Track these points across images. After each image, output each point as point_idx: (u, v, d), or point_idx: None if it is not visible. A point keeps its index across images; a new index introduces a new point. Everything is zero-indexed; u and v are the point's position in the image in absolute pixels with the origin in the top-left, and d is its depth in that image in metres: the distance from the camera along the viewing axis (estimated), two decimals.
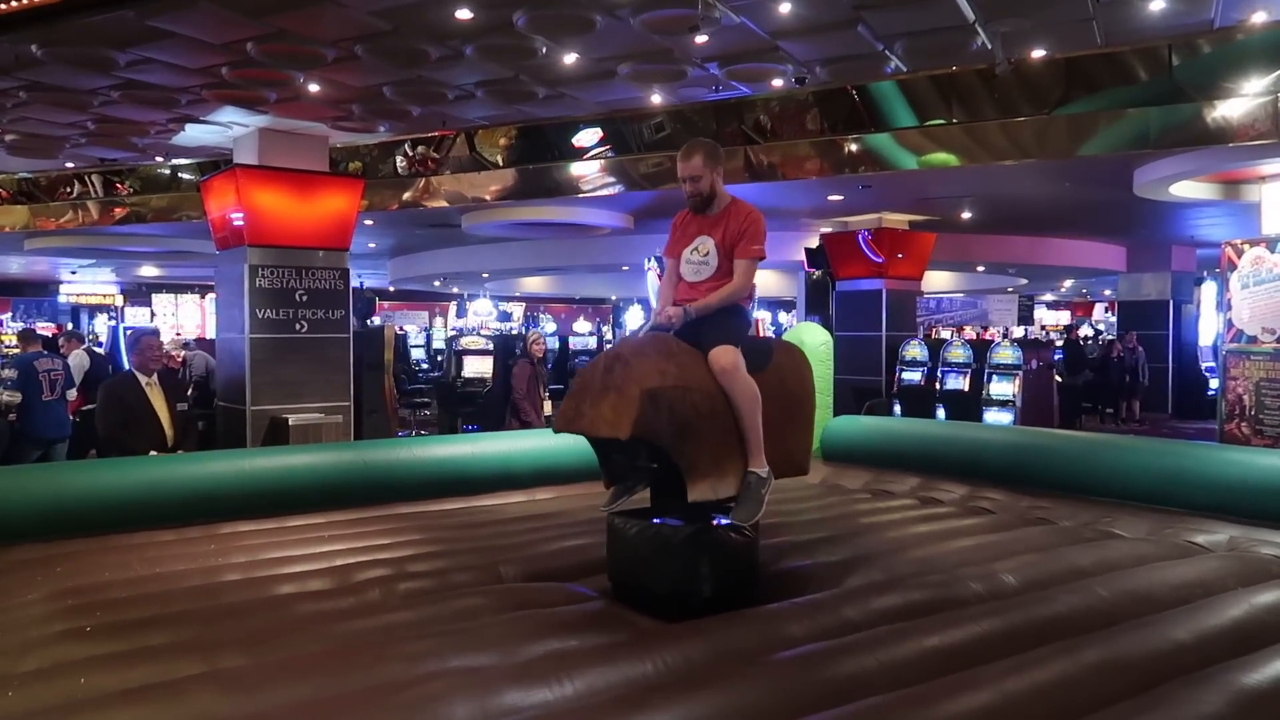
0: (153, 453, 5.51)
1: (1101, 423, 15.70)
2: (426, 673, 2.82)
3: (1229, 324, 7.78)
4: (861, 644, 3.02)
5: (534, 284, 24.67)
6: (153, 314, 24.84)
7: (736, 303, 3.80)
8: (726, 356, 3.57)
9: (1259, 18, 6.23)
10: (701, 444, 3.49)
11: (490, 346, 14.37)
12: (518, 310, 31.61)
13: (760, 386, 3.68)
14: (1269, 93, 7.73)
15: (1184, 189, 10.27)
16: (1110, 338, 19.10)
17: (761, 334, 16.46)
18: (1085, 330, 23.00)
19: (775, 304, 24.63)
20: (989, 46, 6.29)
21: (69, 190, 13.71)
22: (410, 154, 11.63)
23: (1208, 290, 16.23)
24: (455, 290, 27.99)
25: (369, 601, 3.61)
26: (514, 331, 22.74)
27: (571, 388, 3.63)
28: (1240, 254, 7.76)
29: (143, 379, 5.70)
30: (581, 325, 27.82)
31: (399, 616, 3.38)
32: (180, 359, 10.49)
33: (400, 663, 2.88)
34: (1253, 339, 7.54)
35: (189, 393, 9.63)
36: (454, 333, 21.45)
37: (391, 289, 26.58)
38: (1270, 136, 7.82)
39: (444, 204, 12.19)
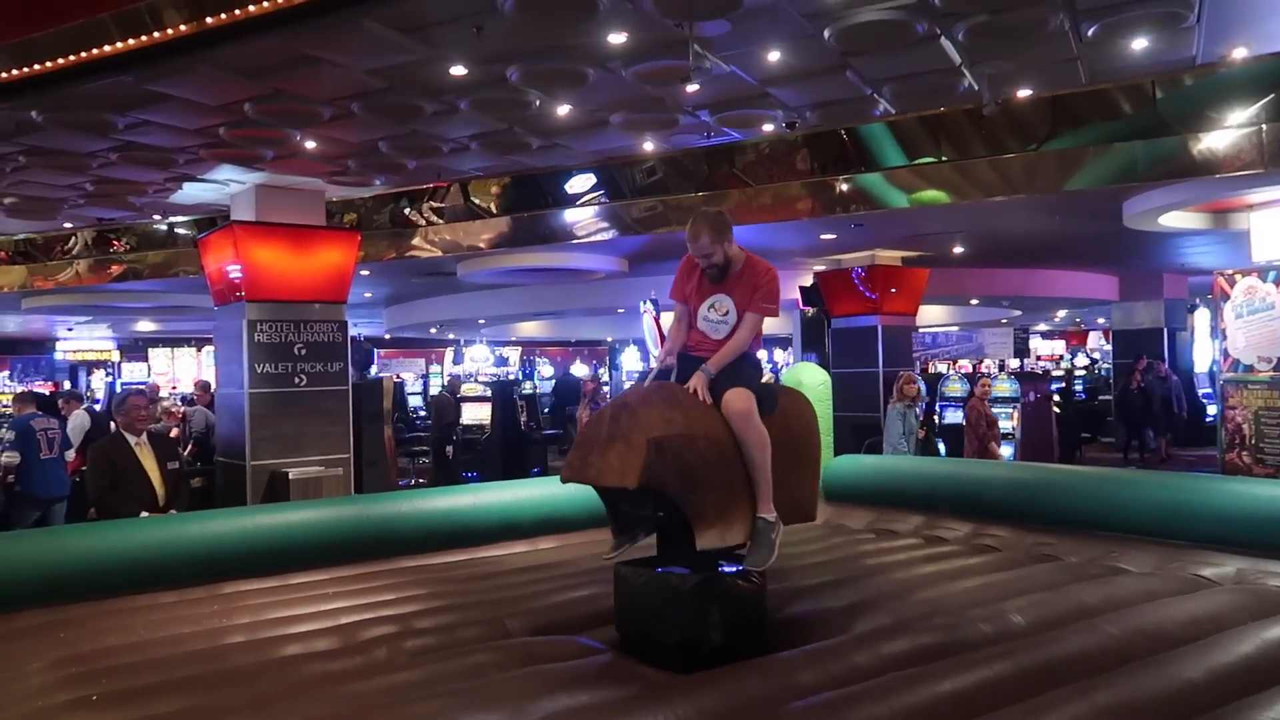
0: (144, 514, 5.47)
1: (1102, 452, 15.50)
2: None
3: (1225, 353, 7.82)
4: (873, 691, 3.00)
5: (530, 328, 24.76)
6: (149, 369, 24.81)
7: (748, 352, 3.82)
8: (741, 401, 3.57)
9: (1239, 53, 6.34)
10: (709, 492, 3.48)
11: (488, 393, 14.38)
12: (514, 354, 31.67)
13: (768, 432, 3.68)
14: (1253, 123, 7.84)
15: (1173, 219, 10.37)
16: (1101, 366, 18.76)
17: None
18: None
19: (771, 342, 24.70)
20: (976, 87, 6.39)
21: (66, 249, 13.79)
22: (416, 207, 11.75)
23: (1201, 317, 16.28)
24: (451, 336, 28.04)
25: (376, 660, 3.58)
26: (510, 377, 22.78)
27: (578, 437, 3.63)
28: (1232, 284, 7.83)
29: (131, 439, 5.66)
30: (579, 368, 27.83)
31: (406, 675, 3.35)
32: (180, 414, 10.48)
33: None
34: (1249, 368, 7.57)
35: (188, 449, 9.61)
36: (451, 378, 21.46)
37: (387, 336, 26.63)
38: (1256, 166, 7.92)
39: (439, 253, 12.28)
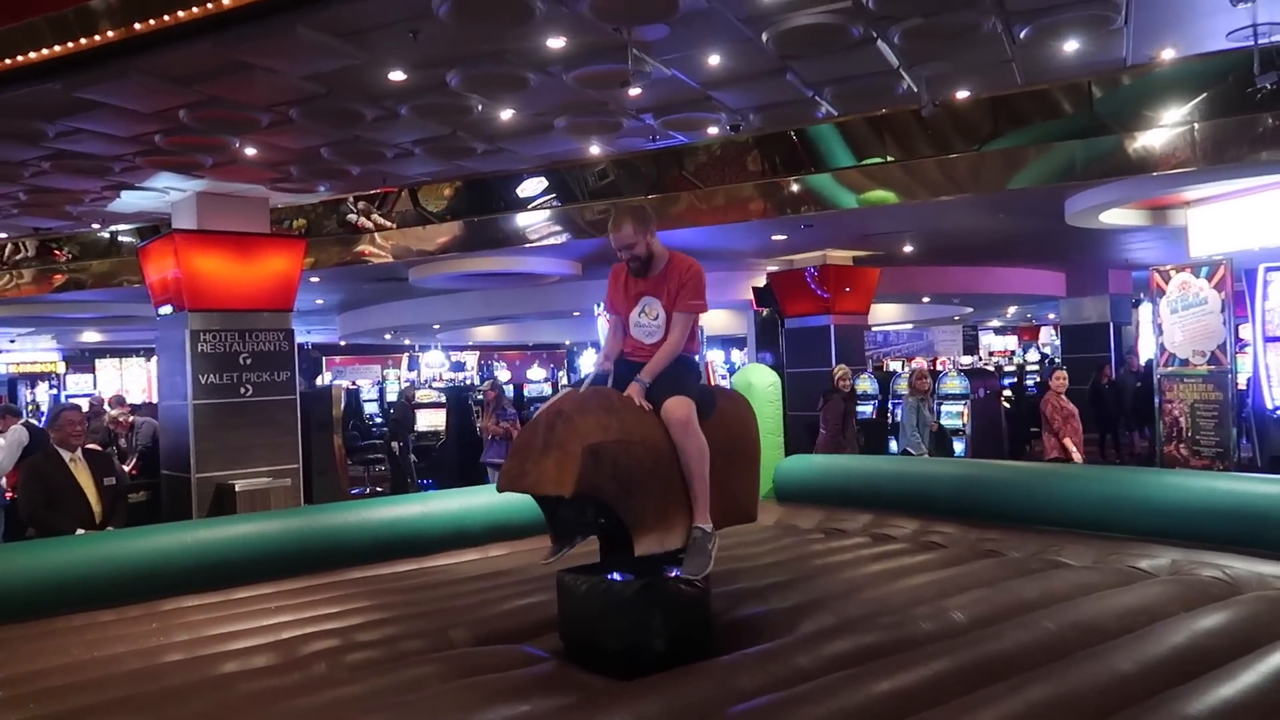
0: (80, 531, 5.35)
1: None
2: None
3: (1161, 348, 7.98)
4: (813, 693, 3.01)
5: (486, 333, 24.63)
6: (95, 380, 24.25)
7: (685, 357, 3.79)
8: (681, 409, 3.55)
9: (1168, 54, 6.48)
10: (646, 498, 3.47)
11: (443, 399, 14.26)
12: (471, 359, 31.47)
13: (705, 435, 3.67)
14: (1186, 122, 8.03)
15: (1113, 216, 10.57)
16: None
17: (712, 376, 16.50)
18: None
19: (727, 342, 24.80)
20: (915, 89, 6.47)
21: (4, 259, 13.46)
22: (355, 209, 11.63)
23: (1144, 311, 16.59)
24: (407, 342, 27.80)
25: (315, 676, 3.52)
26: (467, 382, 22.65)
27: (514, 445, 3.60)
28: (1168, 279, 7.99)
29: (65, 455, 5.53)
30: (536, 372, 27.71)
31: (346, 691, 3.30)
32: (129, 424, 10.27)
33: None
34: (1185, 362, 7.74)
35: (134, 462, 9.41)
36: (406, 385, 21.27)
37: (342, 343, 26.33)
38: (1190, 164, 8.11)
39: (390, 259, 12.17)
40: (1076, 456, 7.95)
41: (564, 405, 3.50)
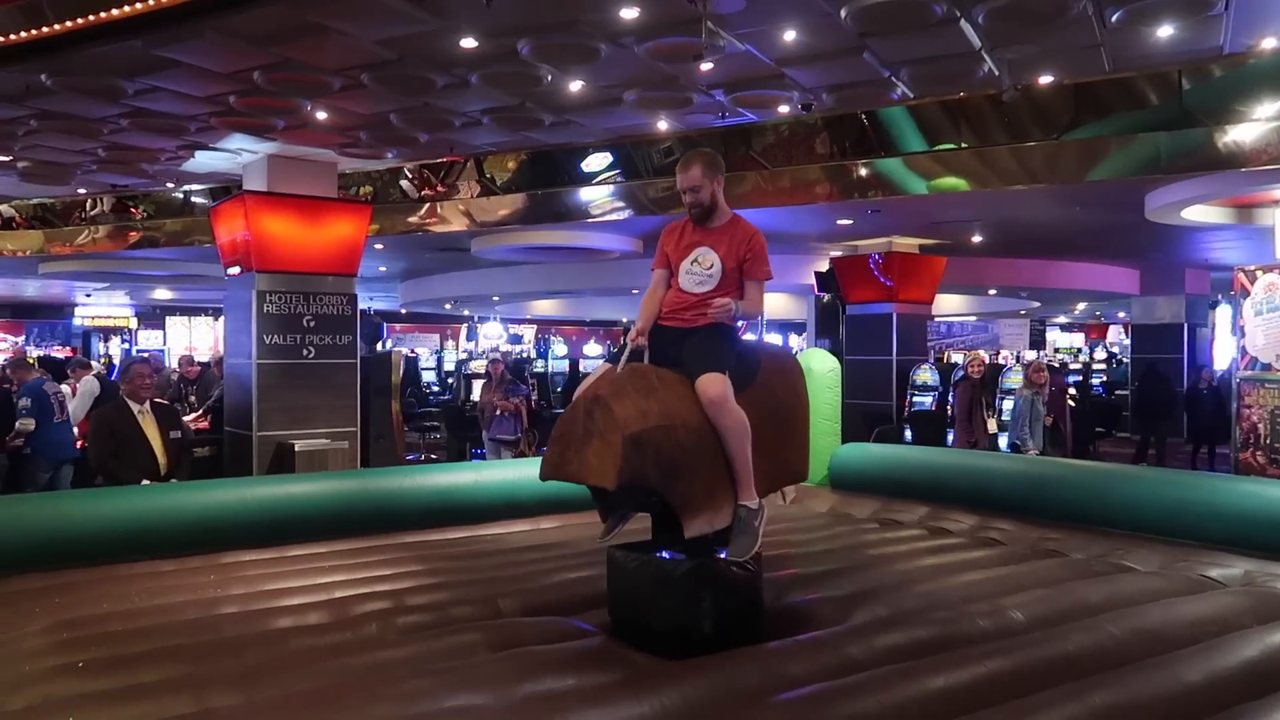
0: (145, 481, 5.48)
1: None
2: (420, 713, 2.77)
3: (1243, 351, 7.67)
4: (864, 685, 2.95)
5: (544, 307, 24.71)
6: (165, 337, 24.87)
7: (724, 324, 3.67)
8: (715, 387, 3.44)
9: (1269, 44, 6.18)
10: (692, 480, 3.41)
11: None
12: (529, 332, 31.66)
13: (751, 400, 3.61)
14: None
15: (1196, 213, 10.19)
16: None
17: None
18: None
19: (786, 326, 24.57)
20: (996, 72, 6.27)
21: (83, 215, 13.83)
22: (421, 177, 11.71)
23: (1222, 314, 16.03)
24: (466, 313, 28.05)
25: (366, 636, 3.57)
26: (525, 355, 22.78)
27: (554, 432, 3.51)
28: (1253, 280, 7.67)
29: (134, 407, 5.67)
30: (592, 348, 27.80)
31: (395, 653, 3.33)
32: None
33: (394, 703, 2.83)
34: (1267, 366, 7.43)
35: (197, 414, 9.62)
36: (464, 355, 21.50)
37: (403, 311, 26.65)
38: None
39: (453, 228, 12.23)
40: None
41: (600, 390, 3.40)
